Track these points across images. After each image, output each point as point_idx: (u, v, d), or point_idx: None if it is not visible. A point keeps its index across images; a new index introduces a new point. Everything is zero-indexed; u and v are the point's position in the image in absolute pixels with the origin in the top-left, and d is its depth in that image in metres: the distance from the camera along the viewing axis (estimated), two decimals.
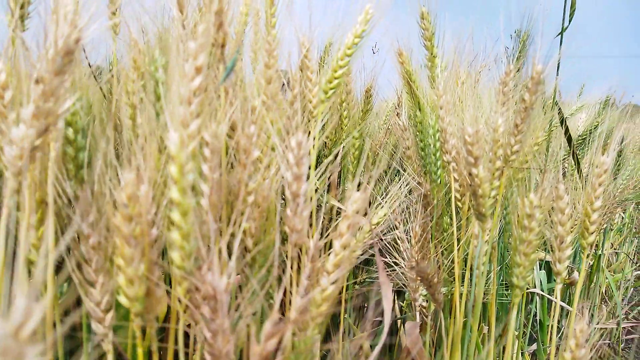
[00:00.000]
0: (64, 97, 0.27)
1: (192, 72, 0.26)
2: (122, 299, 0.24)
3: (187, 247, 0.24)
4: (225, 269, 0.25)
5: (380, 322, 0.87)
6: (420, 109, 0.57)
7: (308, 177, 0.34)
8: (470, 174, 0.40)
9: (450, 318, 0.59)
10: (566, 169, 0.89)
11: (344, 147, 0.69)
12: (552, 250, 0.47)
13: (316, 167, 0.56)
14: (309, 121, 0.42)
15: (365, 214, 0.58)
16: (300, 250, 0.36)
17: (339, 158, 0.71)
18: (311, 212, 0.60)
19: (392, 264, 0.54)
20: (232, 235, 0.38)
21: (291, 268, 0.33)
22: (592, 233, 0.47)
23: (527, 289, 0.89)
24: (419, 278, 0.47)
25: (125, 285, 0.24)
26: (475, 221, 0.45)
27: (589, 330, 0.44)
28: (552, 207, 0.46)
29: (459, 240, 0.54)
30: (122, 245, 0.24)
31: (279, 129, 0.42)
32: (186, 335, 0.32)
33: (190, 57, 0.26)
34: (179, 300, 0.25)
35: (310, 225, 0.48)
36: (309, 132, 0.40)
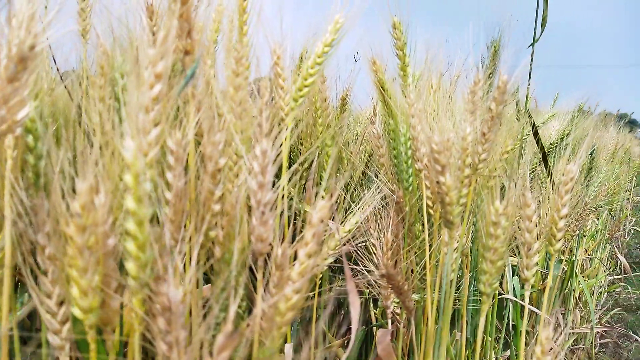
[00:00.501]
0: (20, 105, 0.26)
1: (152, 79, 0.26)
2: (76, 311, 0.24)
3: (142, 257, 0.23)
4: (183, 280, 0.25)
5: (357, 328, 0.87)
6: (392, 117, 0.58)
7: (275, 185, 0.34)
8: (437, 182, 0.40)
9: (422, 325, 0.59)
10: (538, 177, 0.91)
11: (318, 154, 0.69)
12: (520, 257, 0.47)
13: (291, 175, 0.56)
14: (279, 128, 0.42)
15: (342, 222, 0.59)
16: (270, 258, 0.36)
17: (314, 165, 0.71)
18: (288, 220, 0.59)
19: (365, 272, 0.54)
20: (202, 244, 0.38)
21: (256, 277, 0.33)
22: (559, 240, 0.47)
23: (500, 294, 0.90)
24: (389, 286, 0.47)
25: (78, 297, 0.24)
26: (444, 228, 0.45)
27: (555, 337, 0.45)
28: (519, 215, 0.47)
29: (430, 247, 0.54)
30: (75, 255, 0.23)
31: (246, 137, 0.41)
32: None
33: (150, 64, 0.26)
34: (136, 313, 0.25)
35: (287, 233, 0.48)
36: (277, 140, 0.40)
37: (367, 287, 0.58)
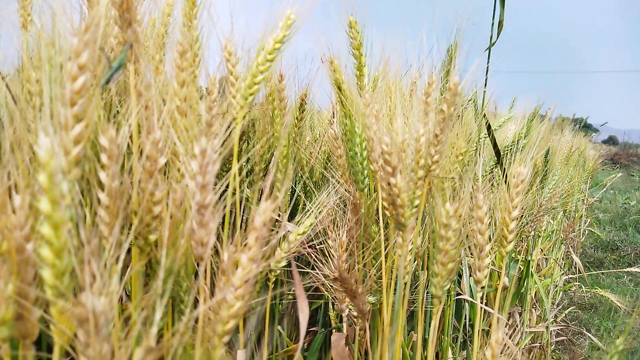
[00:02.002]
0: None
1: (75, 71, 0.24)
2: None
3: (59, 264, 0.21)
4: (108, 288, 0.23)
5: (316, 332, 0.86)
6: (349, 118, 0.57)
7: (228, 186, 0.32)
8: (388, 184, 0.40)
9: (379, 327, 0.59)
10: (494, 179, 0.92)
11: (275, 155, 0.67)
12: (472, 259, 0.47)
13: (249, 174, 0.54)
14: (226, 127, 0.40)
15: (297, 224, 0.57)
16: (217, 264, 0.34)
17: (271, 166, 0.69)
18: (241, 222, 0.57)
19: (322, 275, 0.53)
20: (141, 249, 0.36)
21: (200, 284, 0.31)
22: (511, 242, 0.48)
23: (459, 294, 0.91)
24: (342, 289, 0.46)
25: None
26: (397, 231, 0.44)
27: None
28: (471, 217, 0.47)
29: (386, 248, 0.54)
30: None
31: (192, 135, 0.40)
32: None
33: (73, 55, 0.24)
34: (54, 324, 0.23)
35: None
36: (223, 138, 0.38)
37: (325, 290, 0.57)
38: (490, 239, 0.47)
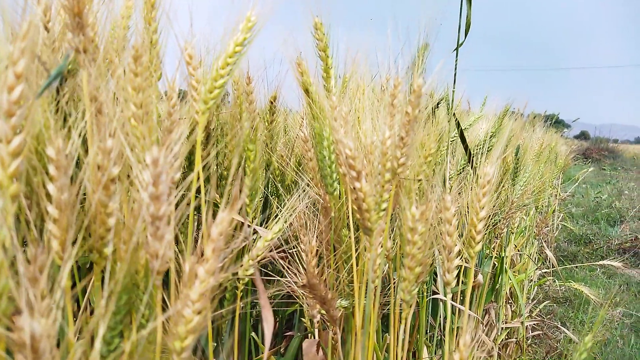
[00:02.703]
0: None
1: (12, 81, 0.23)
2: None
3: None
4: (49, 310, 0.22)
5: (292, 336, 0.85)
6: (317, 120, 0.56)
7: (193, 191, 0.31)
8: (354, 188, 0.39)
9: (352, 331, 0.58)
10: (465, 178, 0.92)
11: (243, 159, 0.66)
12: (441, 261, 0.47)
13: (219, 180, 0.52)
14: (183, 132, 0.39)
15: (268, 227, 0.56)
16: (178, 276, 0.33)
17: (240, 170, 0.68)
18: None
19: (292, 281, 0.52)
20: (96, 262, 0.34)
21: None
22: (479, 242, 0.48)
23: (435, 293, 0.91)
24: (311, 296, 0.46)
25: None
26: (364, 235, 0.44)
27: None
28: (440, 218, 0.46)
29: (357, 252, 0.53)
30: None
31: (150, 142, 0.38)
32: None
33: (10, 63, 0.23)
34: None
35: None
36: (181, 145, 0.37)
37: (296, 297, 0.56)
38: (459, 240, 0.47)
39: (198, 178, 0.45)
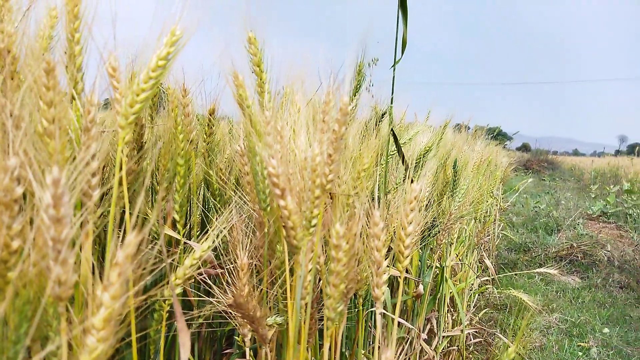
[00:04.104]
0: None
1: None
2: None
3: None
4: None
5: (231, 354, 0.83)
6: (251, 136, 0.56)
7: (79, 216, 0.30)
8: (279, 206, 0.39)
9: (286, 349, 0.57)
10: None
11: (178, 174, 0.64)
12: (370, 275, 0.47)
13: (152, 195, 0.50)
14: (100, 147, 0.37)
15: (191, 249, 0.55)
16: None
17: (174, 185, 0.66)
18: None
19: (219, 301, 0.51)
20: (3, 290, 0.32)
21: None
22: (407, 257, 0.48)
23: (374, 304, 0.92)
24: (239, 315, 0.45)
25: None
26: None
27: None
28: (367, 234, 0.47)
29: (291, 269, 0.53)
30: None
31: (64, 159, 0.37)
32: None
33: None
34: None
35: None
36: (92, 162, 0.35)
37: (227, 316, 0.55)
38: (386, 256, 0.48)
39: (123, 194, 0.43)
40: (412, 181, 0.80)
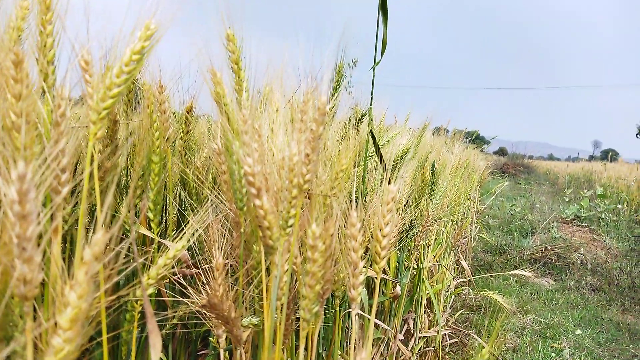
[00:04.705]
0: None
1: None
2: None
3: None
4: None
5: (206, 355, 0.82)
6: (227, 134, 0.55)
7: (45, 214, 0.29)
8: (254, 205, 0.38)
9: (262, 349, 0.57)
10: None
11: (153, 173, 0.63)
12: (347, 276, 0.47)
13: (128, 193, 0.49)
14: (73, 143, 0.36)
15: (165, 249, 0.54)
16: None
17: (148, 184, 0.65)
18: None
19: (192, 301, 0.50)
20: None
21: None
22: (384, 258, 0.48)
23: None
24: (214, 315, 0.44)
25: None
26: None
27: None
28: (344, 235, 0.47)
29: (268, 269, 0.52)
30: None
31: (32, 154, 0.35)
32: None
33: None
34: None
35: None
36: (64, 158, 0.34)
37: (201, 317, 0.54)
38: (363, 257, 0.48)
39: (93, 191, 0.42)
40: (389, 182, 0.81)
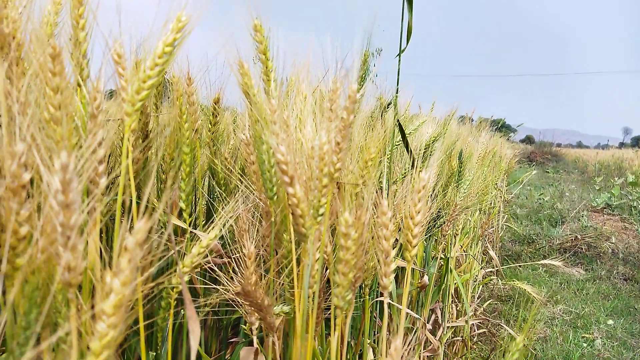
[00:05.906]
0: None
1: None
2: None
3: None
4: None
5: (238, 343, 0.84)
6: (257, 124, 0.55)
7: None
8: (287, 194, 0.39)
9: (293, 337, 0.57)
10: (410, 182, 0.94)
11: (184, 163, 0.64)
12: (378, 264, 0.47)
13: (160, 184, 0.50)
14: (106, 135, 0.37)
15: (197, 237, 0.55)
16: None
17: (179, 174, 0.66)
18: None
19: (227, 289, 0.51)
20: (7, 275, 0.32)
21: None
22: (415, 246, 0.48)
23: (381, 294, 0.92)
24: (247, 303, 0.45)
25: None
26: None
27: (405, 347, 0.44)
28: (374, 223, 0.47)
29: (298, 258, 0.52)
30: None
31: (71, 145, 0.36)
32: None
33: None
34: None
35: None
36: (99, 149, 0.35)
37: (234, 305, 0.55)
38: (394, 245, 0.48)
39: (129, 182, 0.43)
40: (419, 171, 0.80)
